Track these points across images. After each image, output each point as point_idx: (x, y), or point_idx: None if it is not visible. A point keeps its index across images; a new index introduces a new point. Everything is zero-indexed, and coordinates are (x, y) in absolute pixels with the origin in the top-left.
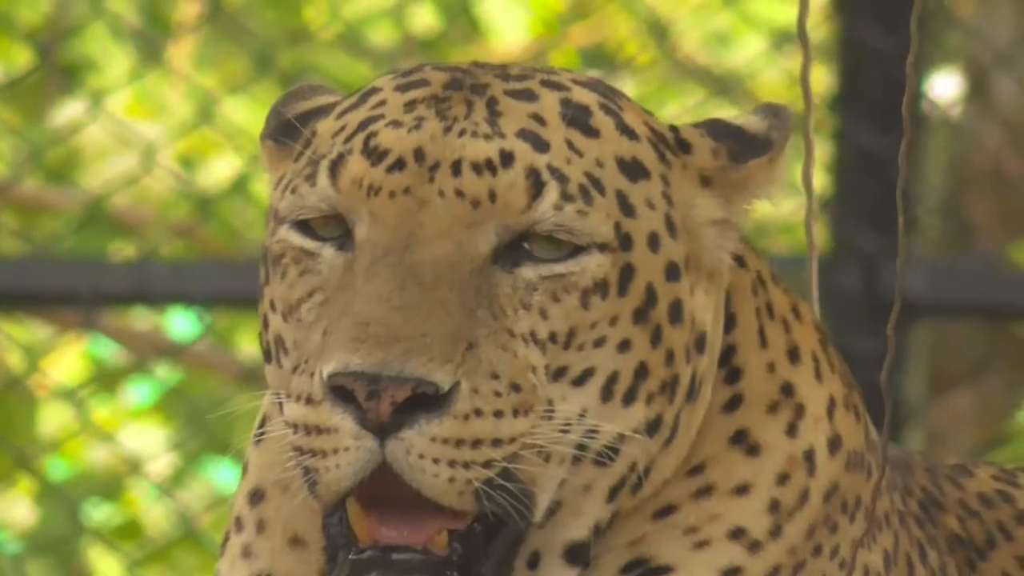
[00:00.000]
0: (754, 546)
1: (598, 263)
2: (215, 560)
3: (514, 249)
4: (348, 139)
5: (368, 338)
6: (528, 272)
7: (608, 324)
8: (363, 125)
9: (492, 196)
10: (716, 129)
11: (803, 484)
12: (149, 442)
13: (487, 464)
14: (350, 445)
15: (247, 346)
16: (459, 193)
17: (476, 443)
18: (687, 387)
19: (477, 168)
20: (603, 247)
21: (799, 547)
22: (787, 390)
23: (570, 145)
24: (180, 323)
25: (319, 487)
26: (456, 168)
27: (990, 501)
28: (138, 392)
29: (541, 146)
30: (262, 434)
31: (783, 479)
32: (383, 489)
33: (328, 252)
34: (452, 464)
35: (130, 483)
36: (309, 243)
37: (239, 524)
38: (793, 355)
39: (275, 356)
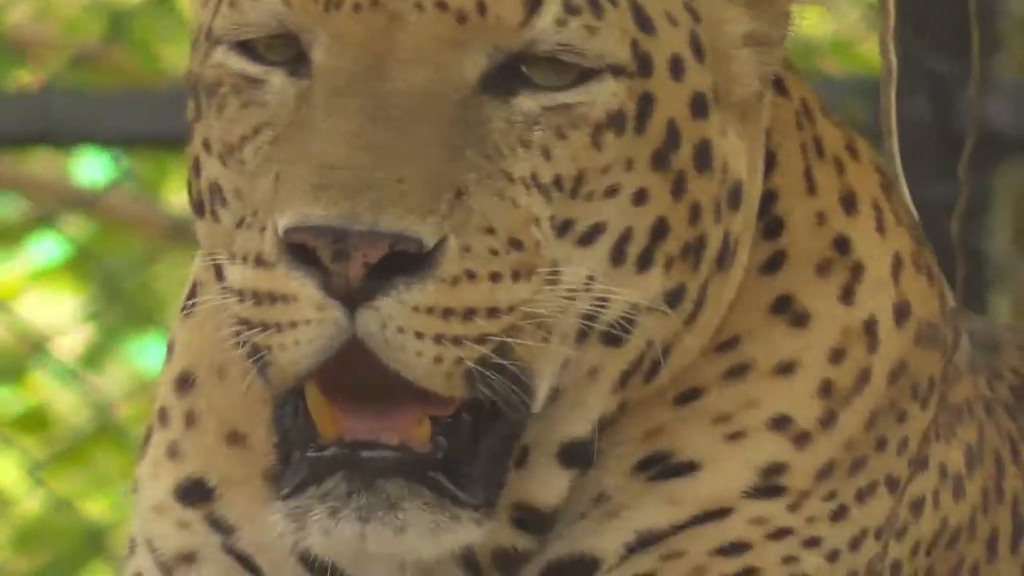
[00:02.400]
0: (801, 438)
1: (612, 91)
2: (136, 460)
3: (509, 75)
4: None
5: (332, 185)
6: (527, 102)
7: (623, 169)
8: None
9: (481, 8)
10: None
11: (863, 362)
12: (55, 313)
13: (481, 339)
14: (312, 317)
15: (174, 196)
16: (440, 5)
17: (468, 313)
18: (716, 251)
19: None
20: (617, 71)
21: (857, 440)
22: (841, 245)
23: None
24: (91, 167)
25: (271, 369)
26: None
27: None
28: (41, 251)
29: None
30: (193, 305)
31: (837, 356)
32: (351, 372)
33: (277, 79)
34: (439, 339)
35: (32, 364)
36: (253, 68)
37: (164, 417)
38: (848, 203)
39: (209, 208)
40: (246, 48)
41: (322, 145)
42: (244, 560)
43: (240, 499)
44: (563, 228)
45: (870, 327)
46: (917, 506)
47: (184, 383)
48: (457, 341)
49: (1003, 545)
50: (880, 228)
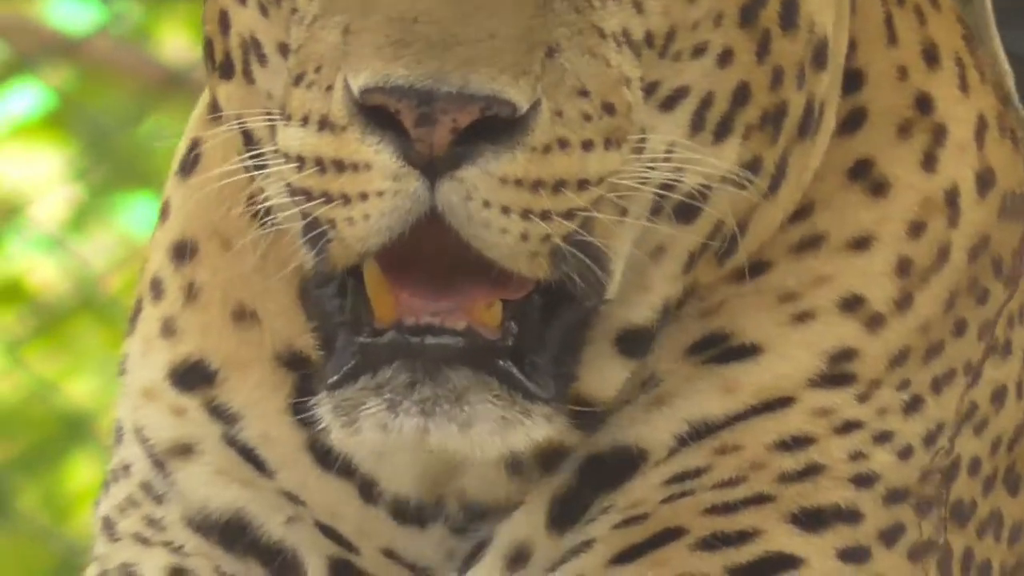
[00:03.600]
0: (874, 321)
1: None
2: (123, 338)
3: None
4: None
5: (415, 39)
6: None
7: (712, 25)
8: None
9: None
10: None
11: (943, 236)
12: (34, 173)
13: (569, 214)
14: (386, 188)
15: (168, 41)
16: None
17: (558, 185)
18: (798, 119)
19: None
20: None
21: (935, 323)
22: (923, 104)
23: None
24: (75, 9)
25: (333, 245)
26: None
27: None
28: (19, 102)
29: None
30: (195, 165)
31: (916, 230)
32: (416, 249)
33: None
34: (526, 214)
35: (7, 230)
36: None
37: (157, 289)
38: (931, 56)
39: (242, 67)
40: None
41: None
42: (247, 453)
43: (245, 384)
44: (649, 90)
45: (952, 198)
46: (999, 396)
47: (182, 252)
48: (545, 216)
49: None
50: (963, 86)
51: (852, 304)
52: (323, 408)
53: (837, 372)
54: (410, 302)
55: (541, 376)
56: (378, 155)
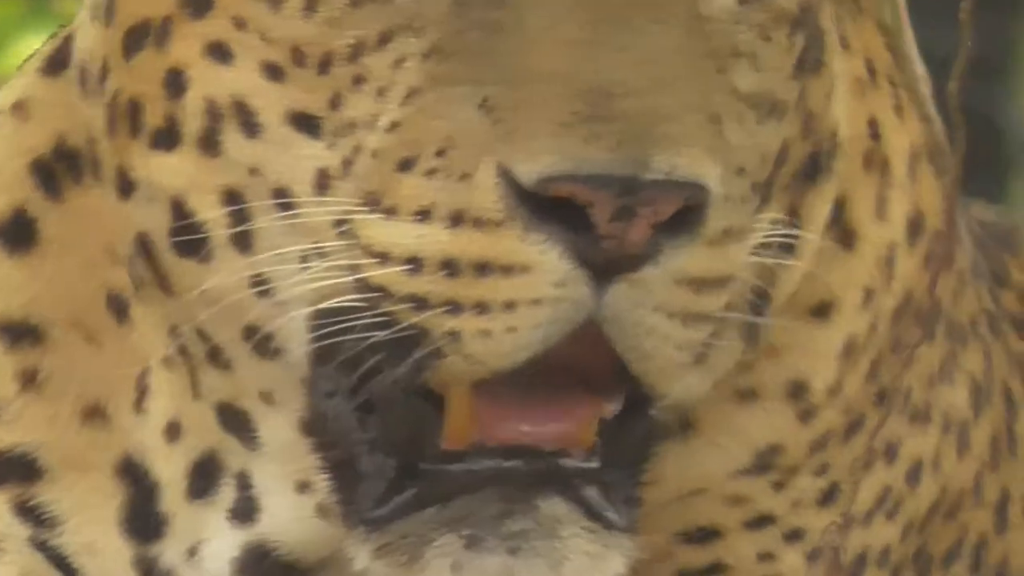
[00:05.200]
0: (808, 413)
1: None
2: None
3: None
4: None
5: (614, 116)
6: None
7: (792, 78)
8: None
9: None
10: None
11: (880, 304)
12: None
13: (717, 318)
14: (547, 295)
15: None
16: None
17: (720, 282)
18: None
19: None
20: None
21: (857, 398)
22: (874, 129)
23: None
24: None
25: (449, 361)
26: None
27: None
28: None
29: None
30: (26, 233)
31: (867, 299)
32: None
33: None
34: (687, 319)
35: None
36: None
37: None
38: (871, 71)
39: (203, 135)
40: None
41: (565, 60)
42: (59, 560)
43: (78, 488)
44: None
45: (891, 255)
46: (914, 473)
47: (19, 334)
48: (700, 319)
49: (1016, 510)
50: (898, 109)
51: (796, 392)
52: (365, 545)
53: (759, 464)
54: (498, 421)
55: (616, 501)
56: (543, 256)
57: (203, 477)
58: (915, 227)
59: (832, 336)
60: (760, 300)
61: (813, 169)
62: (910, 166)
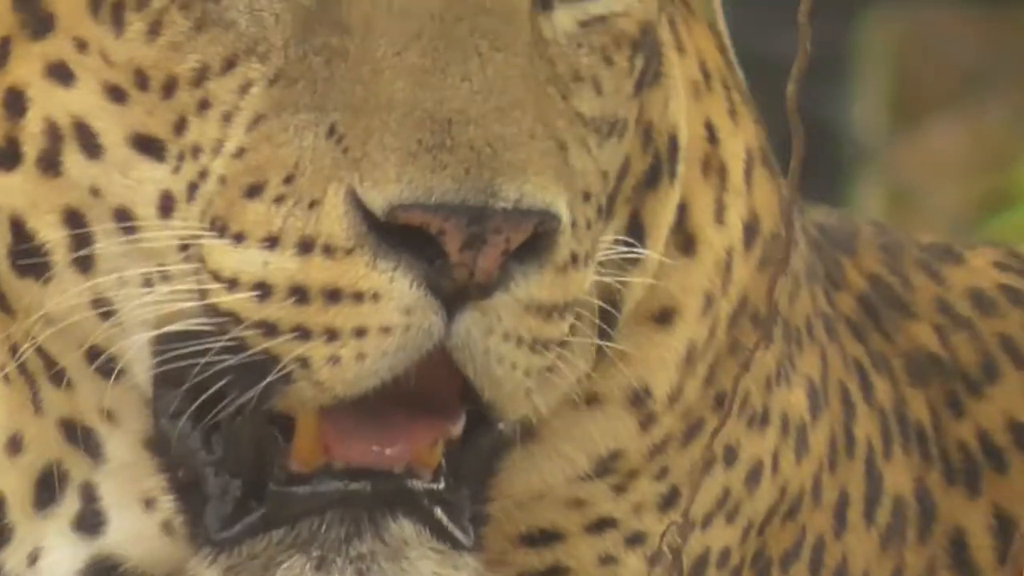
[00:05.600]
0: (649, 420)
1: None
2: None
3: None
4: None
5: (457, 144)
6: (563, 18)
7: (627, 98)
8: None
9: None
10: None
11: (717, 310)
12: None
13: (561, 341)
14: (396, 323)
15: None
16: None
17: (566, 308)
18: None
19: None
20: None
21: (695, 402)
22: (711, 133)
23: None
24: None
25: (298, 387)
26: None
27: (990, 303)
28: None
29: None
30: None
31: (707, 304)
32: None
33: None
34: (535, 345)
35: None
36: None
37: None
38: (705, 73)
39: (43, 155)
40: None
41: (416, 87)
42: None
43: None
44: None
45: (729, 260)
46: (754, 475)
47: None
48: (547, 345)
49: (854, 512)
50: (732, 112)
51: (639, 399)
52: (213, 566)
53: (599, 469)
54: (343, 442)
55: (462, 520)
56: (393, 283)
57: (46, 489)
58: (751, 231)
59: (673, 342)
60: (606, 318)
61: (653, 176)
62: (746, 170)
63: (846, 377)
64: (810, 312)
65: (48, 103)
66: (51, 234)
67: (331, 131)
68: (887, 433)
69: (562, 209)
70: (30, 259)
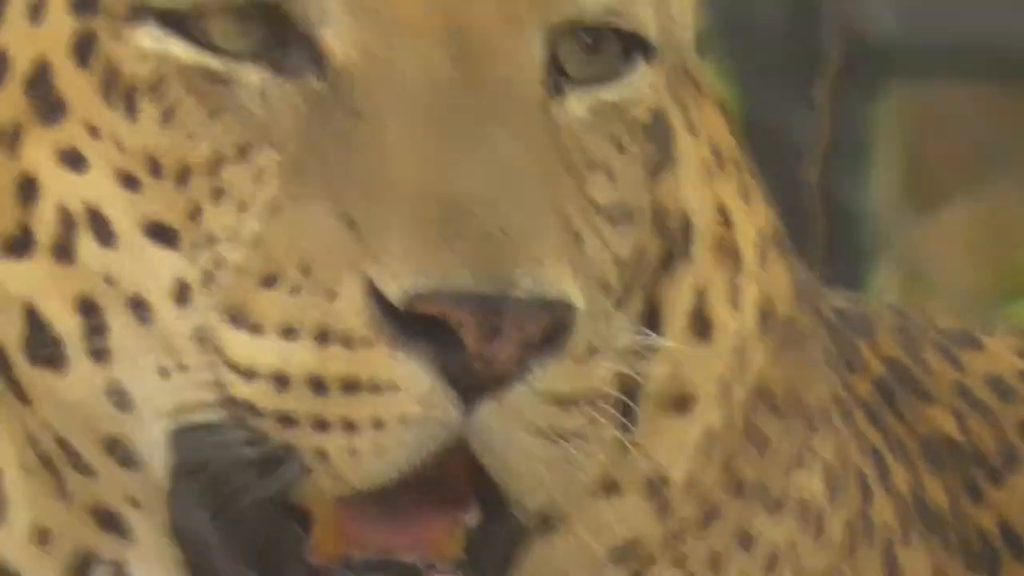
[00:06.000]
0: (665, 507)
1: (650, 82)
2: None
3: (551, 65)
4: None
5: (470, 230)
6: (575, 104)
7: (643, 185)
8: None
9: None
10: None
11: (735, 395)
12: None
13: (582, 432)
14: (414, 413)
15: None
16: None
17: (586, 398)
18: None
19: None
20: (649, 53)
21: (713, 487)
22: (724, 214)
23: None
24: None
25: (316, 478)
26: None
27: (1009, 390)
28: None
29: None
30: None
31: (724, 391)
32: None
33: (253, 77)
34: (556, 437)
35: None
36: (215, 62)
37: None
38: (716, 153)
39: (57, 242)
40: (183, 30)
41: (427, 172)
42: None
43: None
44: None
45: (744, 344)
46: (771, 561)
47: None
48: (565, 436)
49: None
50: (744, 193)
51: (656, 486)
52: None
53: (617, 556)
54: (362, 534)
55: None
56: (411, 374)
57: (79, 572)
58: (766, 315)
59: (690, 429)
60: (623, 406)
61: (668, 261)
62: (759, 253)
63: (863, 462)
64: (827, 397)
65: (61, 190)
66: (65, 322)
67: (346, 220)
68: (905, 519)
69: (579, 299)
70: (44, 348)
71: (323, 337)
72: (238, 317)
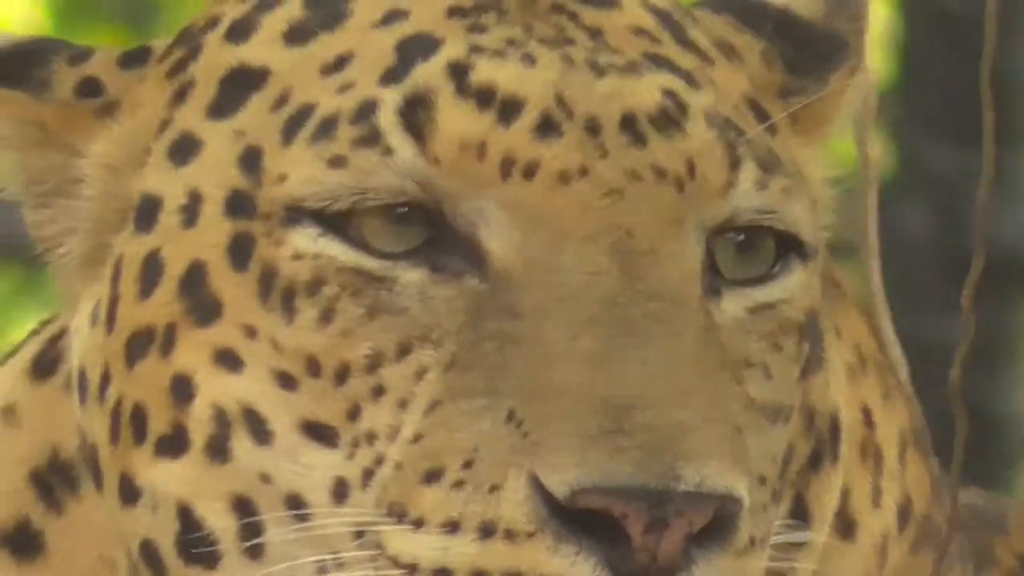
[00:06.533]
0: None
1: (804, 281)
2: None
3: (707, 265)
4: (398, 71)
5: (636, 429)
6: (732, 305)
7: (796, 384)
8: (415, 46)
9: (691, 169)
10: (754, 16)
11: None
12: None
13: None
14: None
15: None
16: (659, 172)
17: None
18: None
19: (657, 123)
20: (801, 249)
21: None
22: (868, 417)
23: (704, 75)
24: None
25: None
26: (630, 126)
27: None
28: None
29: (688, 80)
30: (33, 544)
31: None
32: None
33: (412, 276)
34: None
35: None
36: (372, 263)
37: None
38: (860, 356)
39: (211, 442)
40: (339, 231)
41: (587, 373)
42: None
43: None
44: None
45: (884, 544)
46: None
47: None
48: None
49: None
50: (886, 395)
51: None
52: None
53: None
54: None
55: None
56: (575, 568)
57: None
58: (904, 514)
59: None
60: None
61: (816, 460)
62: (900, 453)
63: None
64: None
65: (216, 390)
66: (220, 521)
67: (509, 416)
68: None
69: (743, 492)
70: (199, 547)
71: (486, 531)
72: (399, 513)
